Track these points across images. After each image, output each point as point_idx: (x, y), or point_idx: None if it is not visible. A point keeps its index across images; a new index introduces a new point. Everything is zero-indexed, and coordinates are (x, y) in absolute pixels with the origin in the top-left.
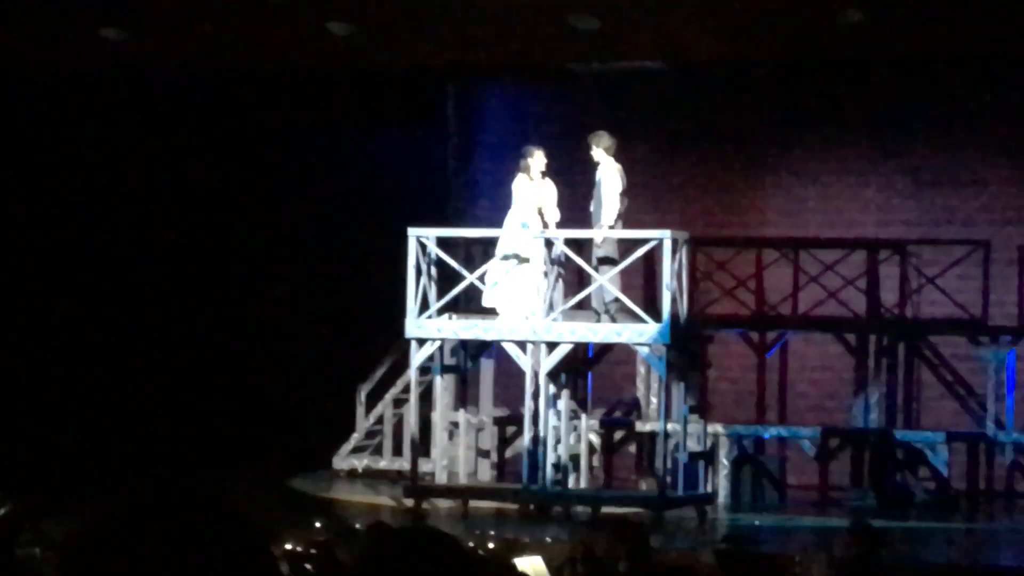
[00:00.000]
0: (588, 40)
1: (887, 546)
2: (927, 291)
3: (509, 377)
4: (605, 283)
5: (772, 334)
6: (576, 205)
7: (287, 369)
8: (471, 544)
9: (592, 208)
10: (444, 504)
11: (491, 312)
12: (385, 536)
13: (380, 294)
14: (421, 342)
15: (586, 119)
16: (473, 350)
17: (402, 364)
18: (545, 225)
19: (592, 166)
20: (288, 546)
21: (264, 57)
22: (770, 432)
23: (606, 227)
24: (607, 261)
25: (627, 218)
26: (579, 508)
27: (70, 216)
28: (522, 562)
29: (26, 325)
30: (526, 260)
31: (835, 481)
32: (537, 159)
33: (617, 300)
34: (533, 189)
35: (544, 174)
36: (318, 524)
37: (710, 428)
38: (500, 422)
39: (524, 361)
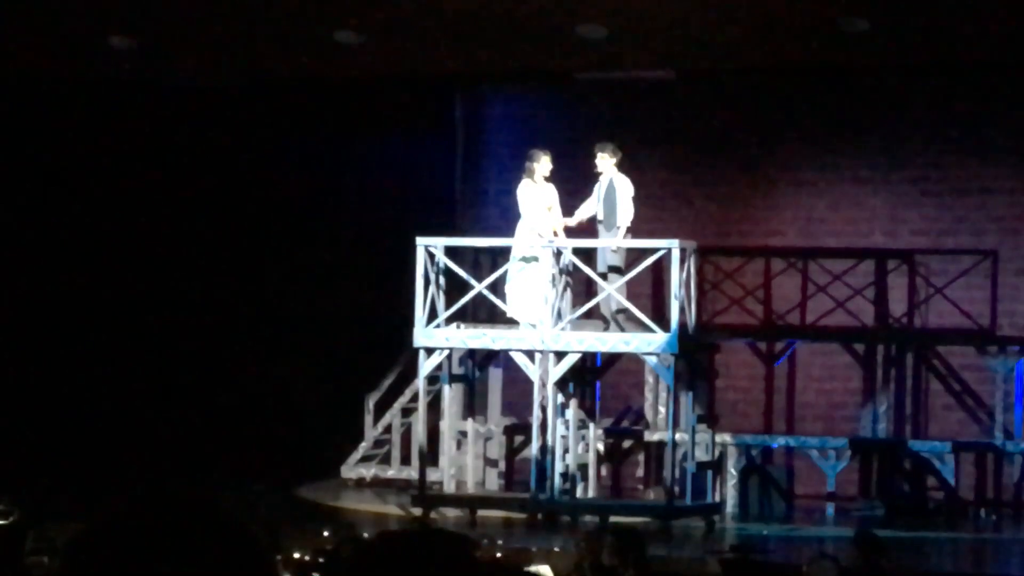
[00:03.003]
0: (596, 49)
1: (891, 556)
2: (935, 301)
3: (517, 386)
4: (613, 292)
5: (780, 344)
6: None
7: (295, 378)
8: (479, 554)
9: (602, 216)
10: (452, 513)
11: (499, 321)
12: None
13: (388, 303)
14: (429, 351)
15: (594, 128)
16: (481, 359)
17: (410, 373)
18: (555, 232)
19: (595, 174)
20: (296, 554)
21: (272, 66)
22: (778, 442)
23: (623, 229)
24: (615, 270)
25: (634, 227)
26: (587, 517)
27: (77, 225)
28: (531, 571)
29: (32, 332)
30: (535, 259)
31: (843, 491)
32: (543, 163)
33: (625, 310)
34: (538, 192)
35: (547, 179)
36: (326, 533)
37: (718, 438)
38: (508, 431)
39: (532, 370)
